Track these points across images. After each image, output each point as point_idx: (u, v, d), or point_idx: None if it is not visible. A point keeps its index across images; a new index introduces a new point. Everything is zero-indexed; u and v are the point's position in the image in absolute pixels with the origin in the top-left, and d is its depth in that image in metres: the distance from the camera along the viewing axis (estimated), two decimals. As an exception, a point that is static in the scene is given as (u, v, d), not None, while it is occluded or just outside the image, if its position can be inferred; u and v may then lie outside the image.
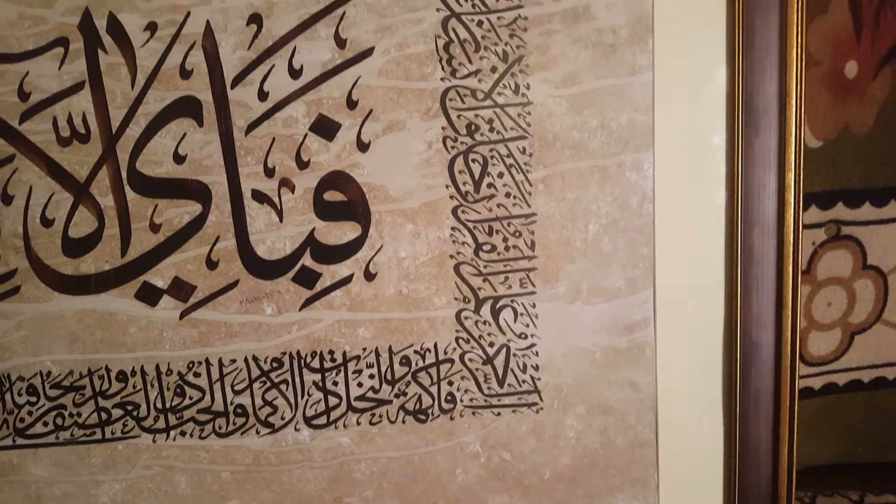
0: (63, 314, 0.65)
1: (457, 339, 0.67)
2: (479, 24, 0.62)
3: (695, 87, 0.65)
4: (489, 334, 0.67)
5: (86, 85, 0.62)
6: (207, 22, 0.61)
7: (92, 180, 0.63)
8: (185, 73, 0.61)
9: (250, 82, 0.62)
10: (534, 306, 0.67)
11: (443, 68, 0.63)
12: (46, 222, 0.63)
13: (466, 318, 0.67)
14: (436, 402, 0.68)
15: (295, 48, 0.62)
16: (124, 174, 0.63)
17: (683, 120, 0.66)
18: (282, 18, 0.61)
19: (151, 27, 0.61)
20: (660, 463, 0.70)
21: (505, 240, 0.66)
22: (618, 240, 0.66)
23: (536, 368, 0.68)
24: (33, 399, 0.66)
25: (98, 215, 0.63)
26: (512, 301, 0.67)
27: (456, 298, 0.67)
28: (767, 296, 0.67)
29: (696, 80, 0.65)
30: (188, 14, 0.60)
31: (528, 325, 0.68)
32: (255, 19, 0.61)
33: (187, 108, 0.62)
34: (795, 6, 0.63)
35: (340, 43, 0.62)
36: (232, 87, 0.62)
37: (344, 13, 0.61)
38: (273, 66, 0.62)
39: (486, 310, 0.67)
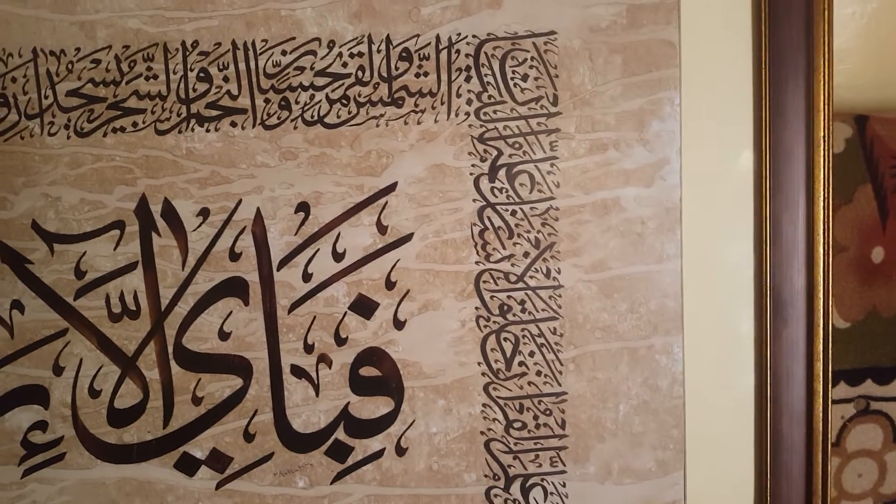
0: (105, 481, 0.67)
1: None
2: (513, 213, 0.65)
3: (723, 277, 0.67)
4: None
5: (139, 265, 0.65)
6: (258, 209, 0.64)
7: (139, 354, 0.66)
8: (235, 256, 0.65)
9: (295, 265, 0.65)
10: (564, 485, 0.68)
11: (477, 253, 0.66)
12: (94, 393, 0.66)
13: (496, 495, 0.68)
14: (463, 579, 0.68)
15: (339, 234, 0.65)
16: (170, 349, 0.66)
17: (712, 307, 0.68)
18: (328, 207, 0.65)
19: (204, 213, 0.64)
20: None
21: (535, 417, 0.67)
22: (648, 421, 0.67)
23: (565, 547, 0.68)
24: (68, 564, 0.68)
25: (143, 388, 0.66)
26: (542, 479, 0.68)
27: (486, 475, 0.68)
28: (797, 483, 0.68)
29: (725, 271, 0.67)
30: (240, 202, 0.64)
31: (557, 504, 0.68)
32: (303, 207, 0.64)
33: (235, 288, 0.65)
34: (822, 201, 0.65)
35: (382, 229, 0.65)
36: (278, 269, 0.65)
37: (386, 203, 0.65)
38: (318, 249, 0.65)
39: (515, 488, 0.68)
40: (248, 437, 0.68)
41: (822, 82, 0.65)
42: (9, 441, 0.68)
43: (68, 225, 0.65)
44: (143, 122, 0.64)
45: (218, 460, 0.68)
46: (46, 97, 0.64)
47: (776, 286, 0.67)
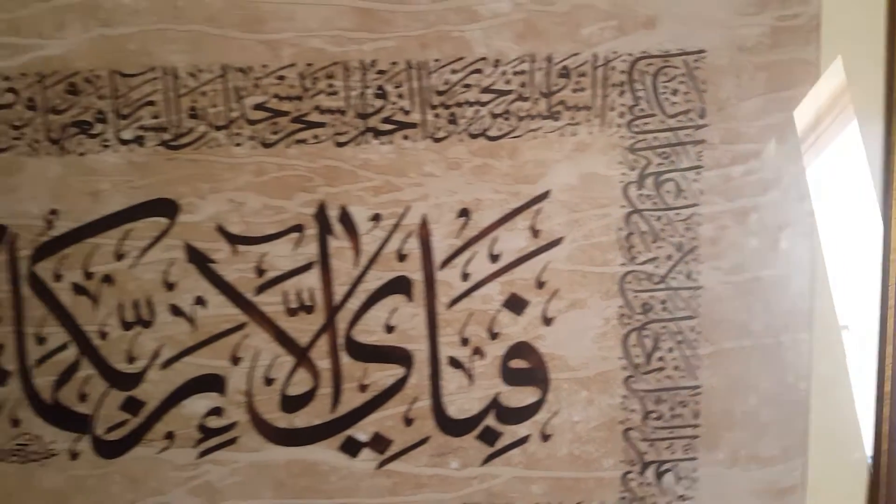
0: (273, 462, 0.75)
1: (621, 498, 0.77)
2: (658, 218, 0.73)
3: (850, 279, 0.75)
4: (651, 495, 0.77)
5: (315, 265, 0.73)
6: (424, 215, 0.72)
7: (312, 346, 0.74)
8: (402, 257, 0.73)
9: (455, 265, 0.73)
10: (695, 471, 0.76)
11: (623, 255, 0.73)
12: (268, 381, 0.74)
13: (632, 479, 0.76)
14: (599, 556, 0.77)
15: (496, 237, 0.73)
16: (341, 341, 0.74)
17: (839, 307, 0.75)
18: (487, 213, 0.73)
19: (376, 218, 0.72)
20: None
21: (671, 409, 0.76)
22: (774, 412, 0.76)
23: (694, 527, 0.77)
24: (239, 540, 0.76)
25: (314, 376, 0.74)
26: (675, 465, 0.76)
27: (622, 461, 0.76)
28: (915, 470, 0.76)
29: (852, 273, 0.75)
30: (408, 208, 0.72)
31: (688, 488, 0.77)
32: (464, 213, 0.72)
33: (401, 286, 0.73)
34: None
35: (535, 233, 0.73)
36: (439, 269, 0.73)
37: (540, 208, 0.73)
38: (476, 252, 0.73)
39: (650, 472, 0.76)
40: (408, 421, 0.76)
41: (951, 101, 0.72)
42: (186, 425, 0.76)
43: (251, 228, 0.73)
44: (324, 136, 0.72)
45: (379, 443, 0.76)
46: (234, 110, 0.72)
47: (902, 285, 0.75)
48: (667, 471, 0.76)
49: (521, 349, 0.75)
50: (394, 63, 0.71)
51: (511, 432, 0.76)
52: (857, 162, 0.74)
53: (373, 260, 0.73)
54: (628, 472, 0.76)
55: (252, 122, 0.71)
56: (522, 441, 0.76)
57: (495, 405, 0.75)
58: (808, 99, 0.72)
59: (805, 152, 0.73)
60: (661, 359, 0.75)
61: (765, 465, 0.76)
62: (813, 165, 0.72)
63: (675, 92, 0.71)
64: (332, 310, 0.74)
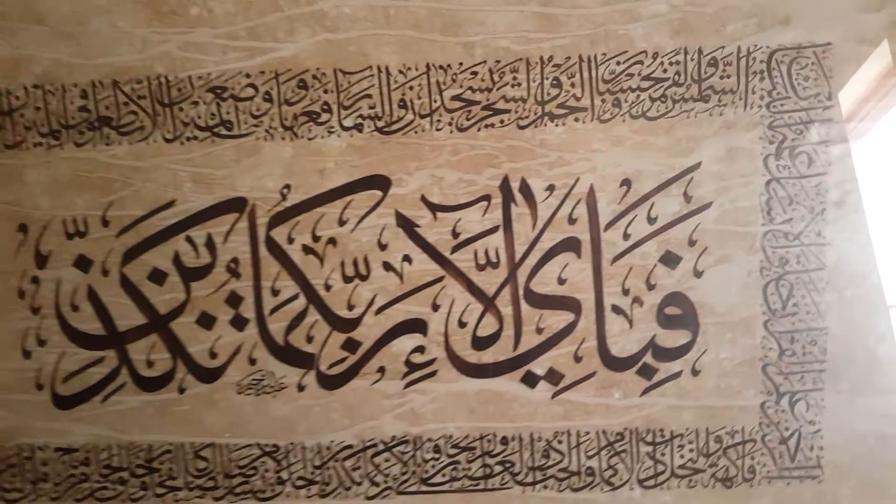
0: (466, 392, 0.95)
1: (760, 424, 0.94)
2: (793, 185, 0.90)
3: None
4: (785, 420, 0.94)
5: (500, 228, 0.92)
6: (591, 185, 0.90)
7: (497, 295, 0.93)
8: (571, 221, 0.91)
9: (618, 227, 0.91)
10: (822, 400, 0.93)
11: (763, 217, 0.90)
12: (461, 324, 0.94)
13: (768, 407, 0.93)
14: (740, 473, 0.94)
15: (653, 203, 0.91)
16: (521, 291, 0.93)
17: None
18: (646, 182, 0.90)
19: (551, 188, 0.91)
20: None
21: (803, 347, 0.92)
22: (892, 350, 0.92)
23: (821, 449, 0.94)
24: (437, 456, 0.96)
25: (499, 321, 0.93)
26: (805, 395, 0.93)
27: (761, 392, 0.93)
28: None
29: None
30: (577, 179, 0.90)
31: (816, 415, 0.93)
32: (626, 182, 0.90)
33: (571, 245, 0.92)
34: None
35: (687, 199, 0.90)
36: (604, 231, 0.91)
37: (692, 178, 0.90)
38: (636, 215, 0.91)
39: (784, 402, 0.93)
40: (577, 359, 0.94)
41: None
42: (396, 361, 0.96)
43: (448, 198, 0.92)
44: (508, 120, 0.91)
45: (553, 377, 0.95)
46: (435, 101, 0.91)
47: None
48: (799, 400, 0.93)
49: (675, 298, 0.92)
50: (567, 58, 0.89)
51: (665, 368, 0.93)
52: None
53: (547, 223, 0.92)
54: (766, 402, 0.93)
55: (450, 111, 0.90)
56: (675, 376, 0.93)
57: (652, 345, 0.93)
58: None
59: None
60: (794, 305, 0.91)
61: (883, 394, 0.92)
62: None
63: (806, 78, 0.88)
64: (514, 265, 0.92)
